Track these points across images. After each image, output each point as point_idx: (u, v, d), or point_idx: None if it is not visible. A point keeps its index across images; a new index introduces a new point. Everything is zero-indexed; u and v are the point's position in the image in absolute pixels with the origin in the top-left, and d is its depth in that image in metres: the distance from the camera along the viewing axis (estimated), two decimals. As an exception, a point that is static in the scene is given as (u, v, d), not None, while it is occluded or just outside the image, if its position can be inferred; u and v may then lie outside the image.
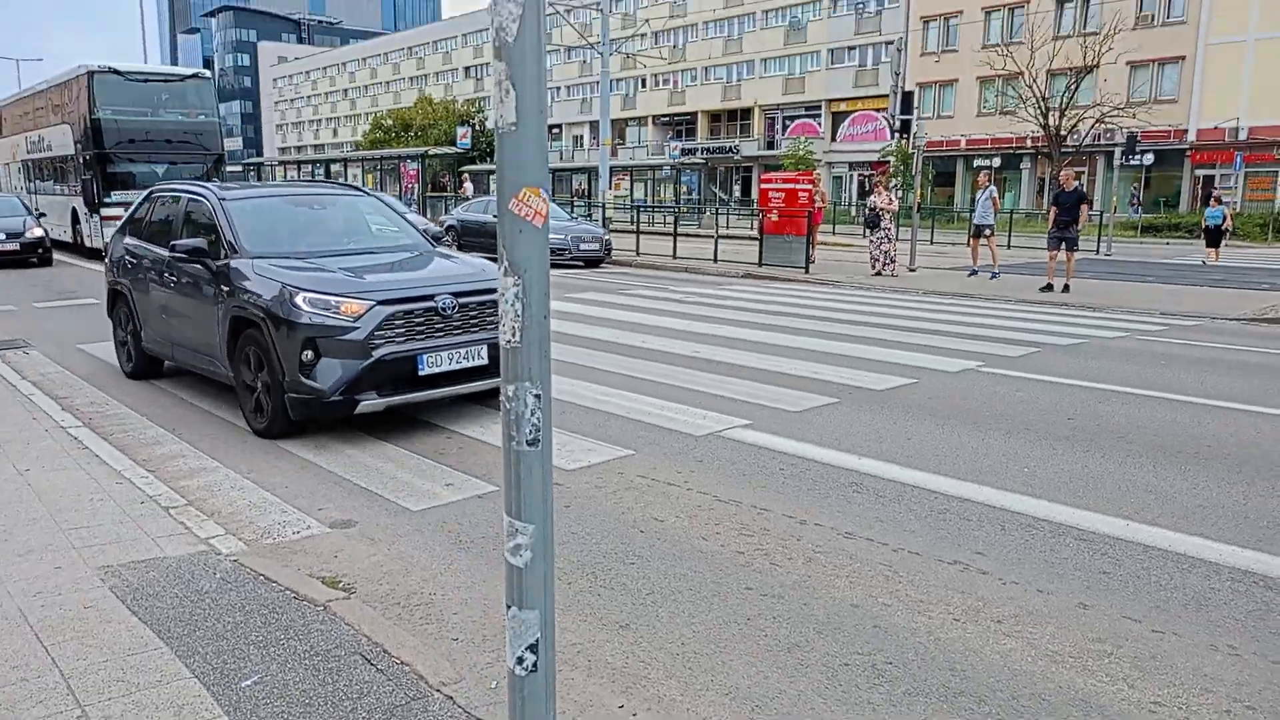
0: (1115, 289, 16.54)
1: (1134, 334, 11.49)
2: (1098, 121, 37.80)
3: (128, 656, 3.27)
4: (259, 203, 7.66)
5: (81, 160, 20.99)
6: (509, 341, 1.40)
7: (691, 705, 3.16)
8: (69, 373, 8.62)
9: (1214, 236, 24.74)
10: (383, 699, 3.03)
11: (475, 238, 21.47)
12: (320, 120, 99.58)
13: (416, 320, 6.29)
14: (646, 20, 58.90)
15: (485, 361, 6.57)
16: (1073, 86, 38.63)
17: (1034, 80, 38.19)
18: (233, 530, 4.65)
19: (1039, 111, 38.94)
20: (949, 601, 3.93)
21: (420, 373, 6.29)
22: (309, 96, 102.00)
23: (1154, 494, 5.31)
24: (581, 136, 69.45)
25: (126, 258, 8.32)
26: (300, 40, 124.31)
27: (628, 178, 47.00)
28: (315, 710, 2.96)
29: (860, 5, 53.82)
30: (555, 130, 72.96)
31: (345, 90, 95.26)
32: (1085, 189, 16.23)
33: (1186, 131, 40.83)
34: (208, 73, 23.19)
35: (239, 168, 63.43)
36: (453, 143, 48.93)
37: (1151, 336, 11.33)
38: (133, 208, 8.75)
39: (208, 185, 7.74)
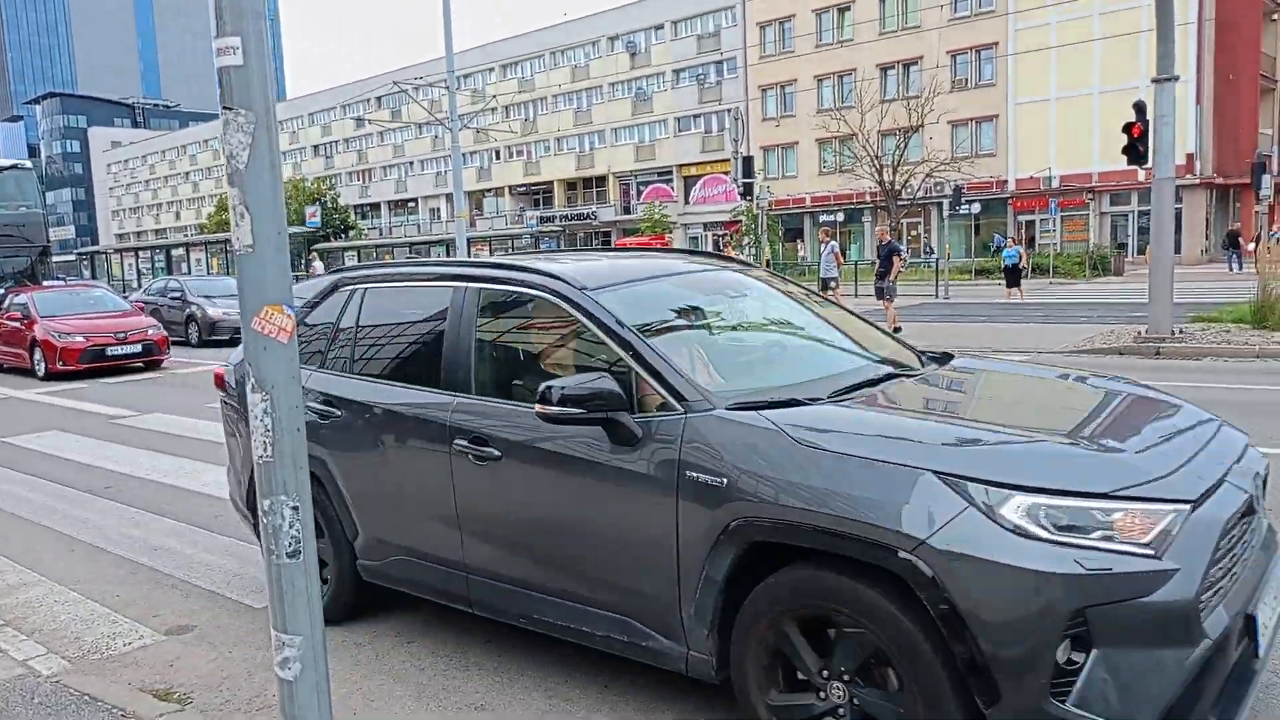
0: (950, 329, 17.60)
1: (968, 372, 12.19)
2: (927, 176, 40.59)
3: (-76, 802, 2.98)
4: (654, 295, 3.97)
5: (-114, 257, 19.46)
6: (260, 457, 1.42)
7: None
8: None
9: (1013, 275, 25.58)
10: (216, 814, 2.87)
11: None
12: (160, 204, 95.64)
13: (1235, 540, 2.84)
14: (494, 95, 59.70)
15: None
16: (901, 145, 41.44)
17: (867, 140, 40.81)
18: (55, 649, 4.33)
19: (874, 169, 41.54)
20: None
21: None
22: (147, 180, 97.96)
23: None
24: (438, 209, 69.25)
25: (325, 409, 4.30)
26: (135, 124, 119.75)
27: (487, 247, 47.09)
28: (140, 835, 2.77)
29: (701, 77, 56.24)
30: (412, 204, 72.53)
31: (186, 173, 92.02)
32: (898, 243, 17.96)
33: (1007, 182, 44.35)
34: (28, 163, 22.10)
35: (72, 257, 60.00)
36: (303, 222, 47.89)
37: (984, 374, 12.06)
38: (307, 310, 4.73)
39: (556, 270, 3.85)
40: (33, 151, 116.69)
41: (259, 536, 3.70)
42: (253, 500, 4.46)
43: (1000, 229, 44.42)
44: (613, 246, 40.78)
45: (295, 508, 1.45)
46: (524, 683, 3.84)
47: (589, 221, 60.02)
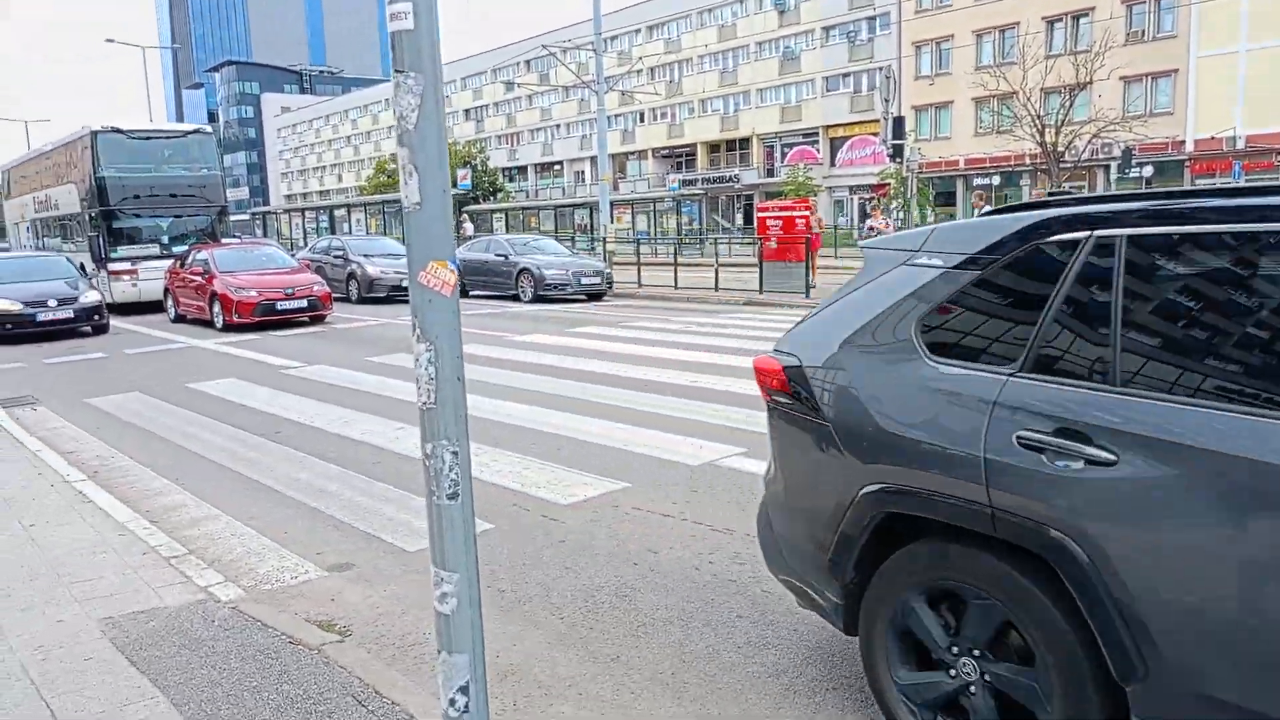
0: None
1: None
2: (1094, 136, 38.01)
3: (124, 707, 3.33)
4: None
5: (88, 218, 21.35)
6: (425, 404, 1.49)
7: (679, 734, 3.19)
8: (76, 427, 8.74)
9: None
10: (373, 739, 3.08)
11: (477, 276, 21.69)
12: (324, 167, 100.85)
13: None
14: (640, 58, 59.66)
15: None
16: (1067, 103, 38.89)
17: (1028, 99, 38.51)
18: (232, 578, 4.72)
19: (1035, 129, 39.20)
20: (938, 622, 3.94)
21: None
22: (312, 144, 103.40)
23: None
24: (582, 172, 70.11)
25: (1069, 448, 2.47)
26: (302, 90, 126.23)
27: (629, 210, 47.38)
28: (306, 752, 3.01)
29: (852, 34, 54.42)
30: (557, 166, 73.73)
31: (348, 137, 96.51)
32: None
33: (1184, 142, 41.03)
34: (209, 128, 23.61)
35: (246, 216, 64.22)
36: (455, 184, 49.56)
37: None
38: (962, 273, 2.91)
39: None
40: (212, 117, 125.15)
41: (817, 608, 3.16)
42: (837, 563, 3.05)
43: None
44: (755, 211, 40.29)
45: (455, 452, 1.52)
46: (661, 638, 3.92)
47: (731, 185, 59.44)
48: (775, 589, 4.36)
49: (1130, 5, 42.10)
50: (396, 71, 1.52)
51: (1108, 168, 40.25)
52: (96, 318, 16.44)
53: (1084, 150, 39.08)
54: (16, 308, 15.45)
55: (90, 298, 16.56)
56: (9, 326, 15.46)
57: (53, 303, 15.95)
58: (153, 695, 3.40)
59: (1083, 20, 43.24)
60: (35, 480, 6.56)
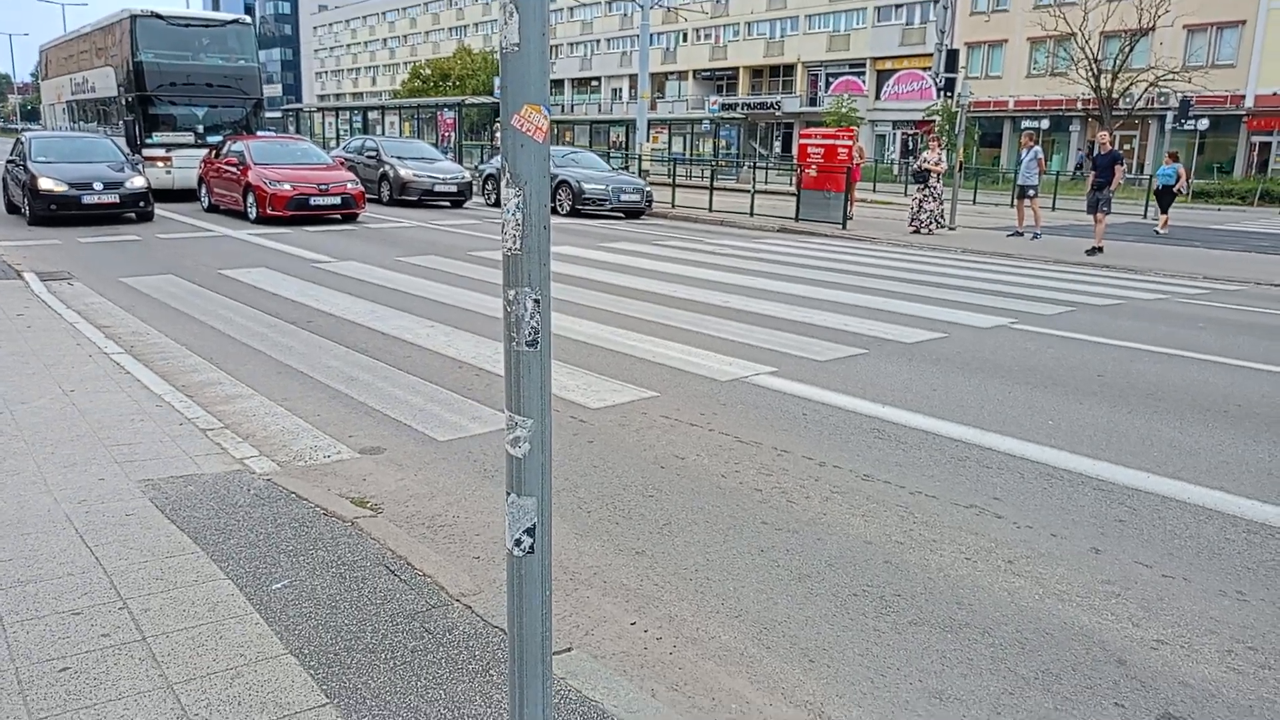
0: (1158, 252, 16.23)
1: (1174, 297, 11.30)
2: (1151, 85, 36.76)
3: (166, 559, 3.43)
4: None
5: (124, 102, 21.26)
6: (510, 249, 1.48)
7: (701, 625, 3.26)
8: (111, 303, 8.84)
9: (1165, 199, 20.93)
10: (404, 605, 3.16)
11: None
12: (359, 69, 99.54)
13: None
14: (689, -28, 57.94)
15: None
16: (1127, 49, 37.51)
17: (1086, 42, 37.15)
18: (266, 452, 4.81)
19: (1090, 74, 37.94)
20: (961, 542, 3.98)
21: None
22: (348, 45, 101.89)
23: (1177, 449, 5.29)
24: (620, 89, 68.84)
25: None
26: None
27: (666, 131, 46.61)
28: (340, 612, 3.10)
29: (909, -40, 52.47)
30: (595, 82, 72.38)
31: (384, 39, 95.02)
32: (1121, 153, 15.79)
33: (1244, 97, 39.60)
34: (248, 19, 23.27)
35: (278, 114, 63.72)
36: (491, 92, 48.80)
37: (1191, 300, 11.15)
38: None
39: None
40: (248, 10, 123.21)
41: None
42: None
43: (1229, 149, 40.04)
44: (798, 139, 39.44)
45: (537, 300, 1.52)
46: (685, 537, 3.97)
47: (772, 112, 58.20)
48: (800, 500, 4.39)
49: (1203, -52, 40.22)
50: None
51: (1162, 118, 39.01)
52: (142, 204, 15.98)
53: (1139, 99, 37.87)
54: (62, 188, 15.23)
55: (137, 183, 16.04)
56: (53, 207, 15.21)
57: (98, 186, 15.55)
58: (193, 551, 3.50)
59: (1151, -39, 41.39)
60: (74, 350, 6.67)
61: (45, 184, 15.16)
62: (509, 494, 1.62)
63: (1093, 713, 2.80)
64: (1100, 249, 15.52)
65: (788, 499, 4.41)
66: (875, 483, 4.64)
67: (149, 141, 20.54)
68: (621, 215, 20.76)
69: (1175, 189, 21.16)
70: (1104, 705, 2.84)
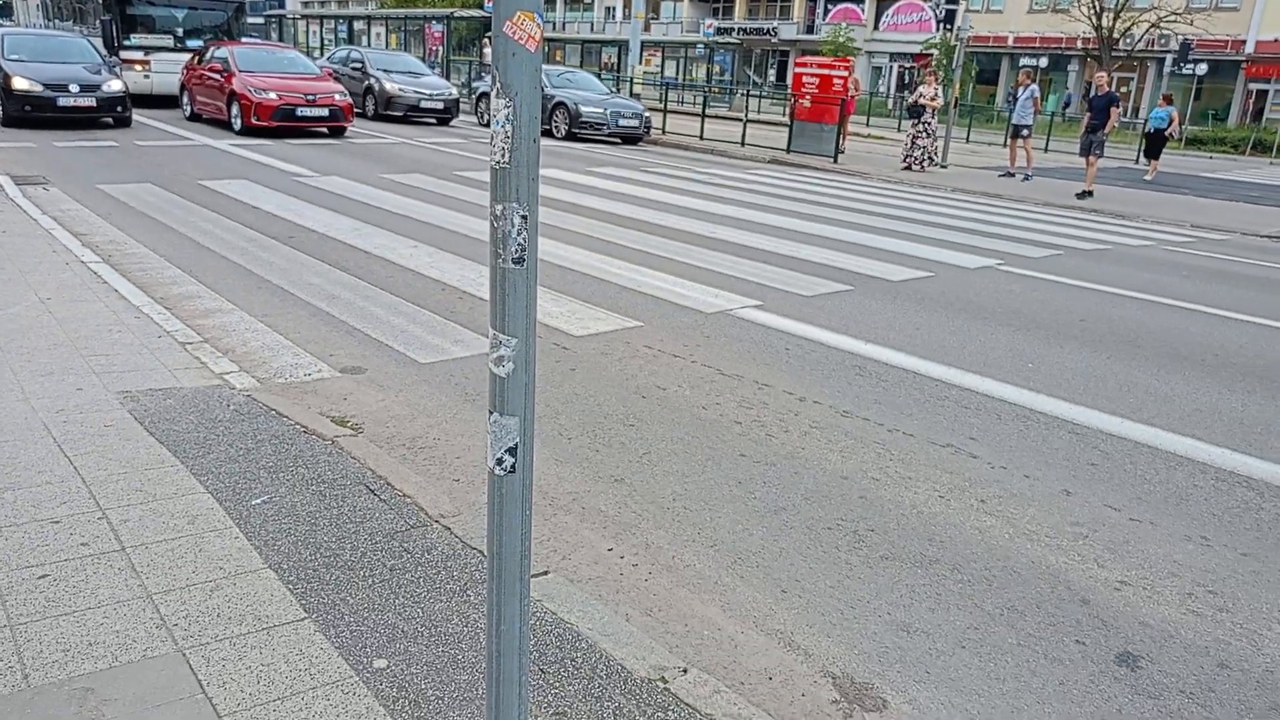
0: (1148, 199, 16.20)
1: (1160, 244, 11.32)
2: (1153, 26, 36.24)
3: (145, 470, 3.43)
4: None
5: (101, 1, 20.52)
6: (499, 162, 1.44)
7: (677, 553, 3.31)
8: (89, 211, 8.66)
9: (1155, 144, 20.76)
10: (383, 524, 3.19)
11: None
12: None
13: None
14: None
15: None
16: (1131, -14, 36.86)
17: (1091, -23, 36.44)
18: (246, 368, 4.78)
19: (1092, 11, 37.33)
20: (936, 480, 4.04)
21: None
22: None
23: (1153, 396, 5.36)
24: (614, 8, 67.04)
25: None
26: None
27: (659, 54, 45.65)
28: (319, 529, 3.12)
29: (917, -117, 50.88)
30: (587, 0, 70.46)
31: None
32: (1118, 95, 15.50)
33: (1244, 43, 39.13)
34: (231, -84, 22.36)
35: (260, 20, 61.73)
36: (480, 6, 47.43)
37: (1177, 248, 11.17)
38: None
39: None
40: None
41: None
42: None
43: (1226, 96, 39.69)
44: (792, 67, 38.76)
45: (525, 216, 1.49)
46: (664, 466, 4.01)
47: (768, 38, 56.95)
48: (779, 434, 4.43)
49: (1217, -116, 39.22)
50: None
51: (1161, 61, 38.55)
52: (119, 109, 15.45)
53: (1139, 40, 37.38)
54: (37, 89, 14.70)
55: (114, 86, 15.44)
56: (28, 108, 14.67)
57: (74, 88, 14.99)
58: (172, 464, 3.50)
59: (1163, -104, 40.36)
60: (50, 257, 6.55)
61: (20, 84, 14.65)
62: (492, 413, 1.61)
63: (1054, 649, 2.88)
64: (1090, 192, 15.48)
65: (767, 432, 4.44)
66: (854, 419, 4.68)
67: (126, 44, 19.86)
68: (618, 141, 20.42)
69: (1167, 133, 20.92)
70: (1065, 642, 2.92)
